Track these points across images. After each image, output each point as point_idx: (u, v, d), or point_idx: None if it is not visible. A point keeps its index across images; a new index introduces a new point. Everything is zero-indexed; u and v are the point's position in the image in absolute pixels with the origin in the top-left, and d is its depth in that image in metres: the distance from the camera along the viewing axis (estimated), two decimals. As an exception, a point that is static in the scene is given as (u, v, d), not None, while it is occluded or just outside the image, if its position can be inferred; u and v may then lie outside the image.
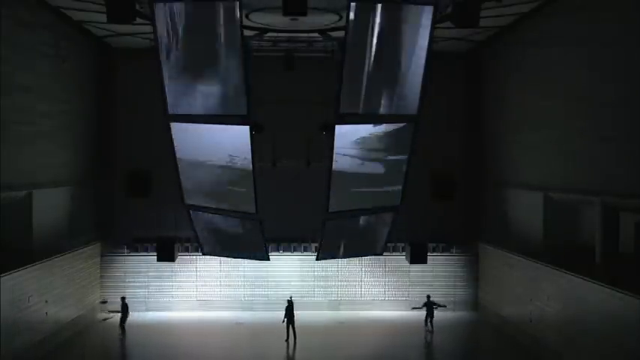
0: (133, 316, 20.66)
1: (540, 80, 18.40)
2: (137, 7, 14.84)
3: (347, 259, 22.93)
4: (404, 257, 21.49)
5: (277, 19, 17.54)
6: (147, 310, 22.62)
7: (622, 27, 14.40)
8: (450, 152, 23.56)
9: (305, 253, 23.35)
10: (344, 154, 16.76)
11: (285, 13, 13.85)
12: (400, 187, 17.87)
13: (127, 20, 14.77)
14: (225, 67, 15.14)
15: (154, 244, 21.06)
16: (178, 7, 14.43)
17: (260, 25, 18.79)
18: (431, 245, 22.68)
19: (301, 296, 22.36)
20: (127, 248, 23.22)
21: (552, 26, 17.53)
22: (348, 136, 16.55)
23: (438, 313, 21.16)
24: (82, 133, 21.40)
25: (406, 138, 16.85)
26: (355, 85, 15.39)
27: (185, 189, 17.97)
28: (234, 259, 22.46)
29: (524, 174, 19.67)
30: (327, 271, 23.36)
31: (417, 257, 19.79)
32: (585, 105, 15.91)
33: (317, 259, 20.52)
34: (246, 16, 17.46)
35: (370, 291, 23.57)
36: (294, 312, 19.78)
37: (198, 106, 16.04)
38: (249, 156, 16.45)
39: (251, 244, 19.40)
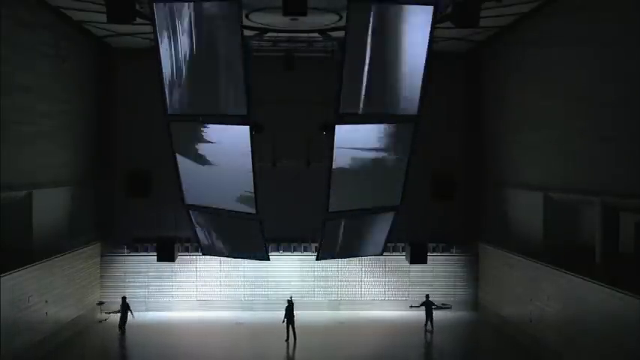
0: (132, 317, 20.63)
1: (540, 80, 18.39)
2: (137, 7, 14.85)
3: (347, 259, 22.93)
4: (404, 257, 21.50)
5: (277, 19, 17.54)
6: (147, 310, 22.60)
7: (622, 27, 14.40)
8: (450, 152, 23.56)
9: (305, 253, 23.35)
10: (344, 154, 16.76)
11: (285, 13, 13.85)
12: (400, 187, 17.86)
13: (127, 20, 14.77)
14: (225, 67, 15.14)
15: (154, 244, 21.08)
16: (178, 7, 14.44)
17: (260, 25, 18.79)
18: (431, 245, 22.69)
19: (301, 296, 22.37)
20: (127, 248, 23.22)
21: (552, 26, 17.53)
22: (348, 136, 16.55)
23: (438, 313, 21.16)
24: (82, 133, 21.40)
25: (406, 138, 16.85)
26: (355, 85, 15.39)
27: (185, 189, 17.98)
28: (234, 259, 22.45)
29: (524, 174, 19.67)
30: (327, 271, 23.36)
31: (417, 257, 19.81)
32: (585, 105, 15.91)
33: (317, 259, 20.51)
34: (246, 16, 17.46)
35: (370, 291, 23.57)
36: (294, 312, 19.78)
37: (198, 106, 16.06)
38: (249, 156, 16.46)
39: (251, 244, 19.40)
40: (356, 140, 16.74)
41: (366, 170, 17.33)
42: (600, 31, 15.19)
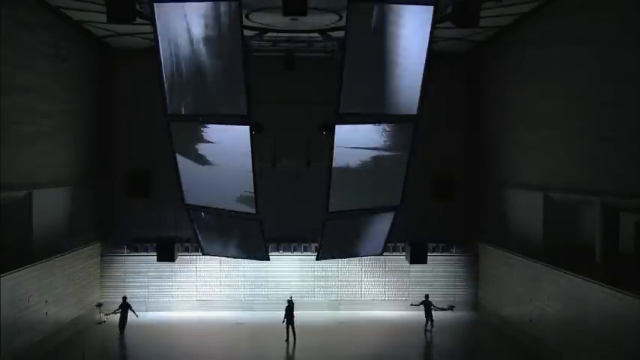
0: (132, 316, 20.58)
1: (540, 80, 18.39)
2: (137, 7, 14.85)
3: (347, 259, 22.93)
4: (404, 257, 21.49)
5: (277, 19, 17.54)
6: (147, 310, 22.58)
7: (622, 27, 14.41)
8: (450, 152, 23.56)
9: (305, 253, 23.34)
10: (344, 154, 16.77)
11: (285, 13, 13.85)
12: (400, 187, 17.87)
13: (127, 20, 14.78)
14: (225, 67, 15.14)
15: (154, 244, 21.07)
16: (178, 7, 14.45)
17: (260, 25, 18.79)
18: (431, 245, 22.69)
19: (301, 296, 22.36)
20: (127, 248, 23.22)
21: (552, 26, 17.53)
22: (348, 136, 16.56)
23: (438, 313, 21.14)
24: (82, 133, 21.40)
25: (406, 138, 16.86)
26: (355, 85, 15.40)
27: (185, 189, 17.99)
28: (234, 259, 22.44)
29: (524, 174, 19.67)
30: (327, 271, 23.36)
31: (417, 257, 19.80)
32: (585, 105, 15.91)
33: (317, 259, 20.51)
34: (246, 16, 17.46)
35: (370, 291, 23.56)
36: (294, 312, 19.77)
37: (198, 106, 16.06)
38: (249, 156, 16.46)
39: (251, 244, 19.40)
40: (356, 140, 16.75)
41: (366, 170, 17.34)
42: (600, 31, 15.20)
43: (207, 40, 14.86)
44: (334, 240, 19.29)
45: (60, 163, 19.49)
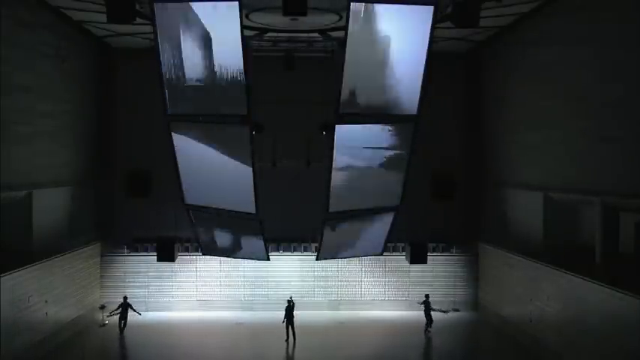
0: (134, 316, 20.58)
1: (540, 80, 18.39)
2: (137, 7, 14.85)
3: (347, 259, 22.93)
4: (404, 257, 21.49)
5: (277, 19, 17.54)
6: (147, 310, 22.56)
7: (622, 27, 14.41)
8: (450, 152, 23.56)
9: (305, 253, 23.34)
10: (344, 154, 16.76)
11: (285, 13, 13.86)
12: (400, 187, 17.88)
13: (127, 20, 14.78)
14: (225, 67, 15.14)
15: (154, 244, 21.04)
16: (178, 7, 14.45)
17: (260, 25, 18.79)
18: (431, 245, 22.69)
19: (301, 296, 22.36)
20: (127, 248, 23.22)
21: (552, 26, 17.53)
22: (348, 136, 16.56)
23: (438, 314, 21.13)
24: (82, 133, 21.40)
25: (406, 138, 16.86)
26: (355, 85, 15.40)
27: (185, 189, 17.99)
28: (234, 259, 22.44)
29: (524, 174, 19.67)
30: (327, 271, 23.35)
31: (417, 257, 19.79)
32: (585, 105, 15.91)
33: (317, 259, 20.52)
34: (246, 16, 17.46)
35: (370, 291, 23.56)
36: (294, 312, 19.77)
37: (198, 106, 16.06)
38: (249, 156, 16.47)
39: (251, 244, 19.41)
40: (356, 140, 16.75)
41: (366, 170, 17.34)
42: (600, 31, 15.20)
43: (207, 40, 14.87)
44: (334, 240, 19.29)
45: (60, 163, 19.49)
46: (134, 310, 20.49)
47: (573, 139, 16.58)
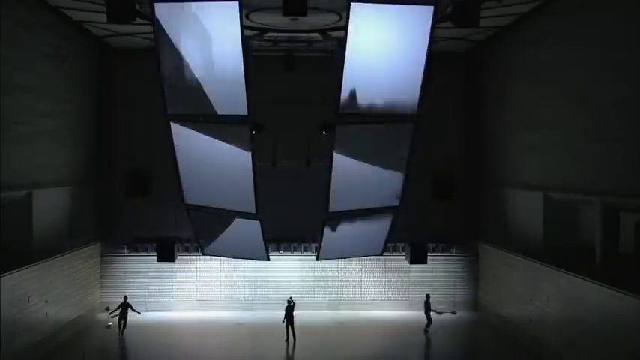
0: (133, 316, 20.57)
1: (540, 80, 18.39)
2: (137, 7, 14.86)
3: (347, 259, 22.93)
4: (404, 257, 21.50)
5: (277, 19, 17.55)
6: (147, 310, 22.57)
7: (622, 27, 14.41)
8: (450, 152, 23.56)
9: (305, 253, 23.34)
10: (344, 154, 16.77)
11: (285, 13, 13.88)
12: (400, 187, 17.88)
13: (127, 20, 14.79)
14: (225, 67, 15.14)
15: (154, 244, 21.07)
16: (178, 7, 14.45)
17: (260, 25, 18.79)
18: (431, 245, 22.69)
19: (301, 296, 22.35)
20: (127, 248, 23.21)
21: (552, 26, 17.53)
22: (349, 136, 16.56)
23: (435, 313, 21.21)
24: (82, 133, 21.40)
25: (406, 138, 16.86)
26: (355, 85, 15.40)
27: (185, 189, 18.00)
28: (234, 259, 22.45)
29: (524, 174, 19.68)
30: (327, 271, 23.35)
31: (417, 257, 19.81)
32: (585, 105, 15.91)
33: (317, 259, 20.52)
34: (246, 16, 17.46)
35: (370, 291, 23.56)
36: (294, 312, 19.76)
37: (198, 106, 16.06)
38: (249, 156, 16.47)
39: (251, 244, 19.41)
40: (356, 140, 16.76)
41: (366, 170, 17.34)
42: (600, 31, 15.20)
43: (207, 40, 14.88)
44: (334, 240, 19.30)
45: (60, 163, 19.49)
46: (133, 310, 20.47)
47: (573, 139, 16.58)
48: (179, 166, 17.41)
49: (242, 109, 15.59)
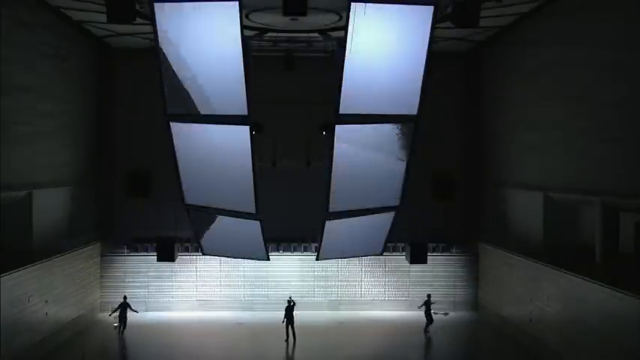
0: (133, 315, 20.56)
1: (540, 80, 18.39)
2: (137, 7, 14.85)
3: (347, 259, 22.93)
4: (404, 257, 21.49)
5: (277, 19, 17.55)
6: (147, 310, 22.59)
7: (622, 27, 14.40)
8: (450, 152, 23.56)
9: (305, 253, 23.33)
10: (344, 154, 16.76)
11: (285, 13, 13.87)
12: (400, 187, 17.88)
13: (127, 20, 14.79)
14: (225, 67, 15.14)
15: (154, 244, 21.06)
16: (178, 7, 14.44)
17: (260, 25, 18.79)
18: (431, 245, 22.68)
19: (301, 296, 22.33)
20: (127, 248, 23.21)
21: (552, 26, 17.53)
22: (348, 136, 16.56)
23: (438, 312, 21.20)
24: (82, 133, 21.41)
25: (406, 138, 16.86)
26: (355, 84, 15.39)
27: (185, 189, 17.99)
28: (234, 259, 22.45)
29: (524, 174, 19.67)
30: (327, 271, 23.35)
31: (417, 257, 19.80)
32: (585, 105, 15.91)
33: (317, 259, 20.53)
34: (246, 16, 17.47)
35: (370, 291, 23.56)
36: (294, 312, 19.76)
37: (198, 106, 16.06)
38: (249, 156, 16.47)
39: (251, 244, 19.41)
40: (356, 140, 16.75)
41: (366, 170, 17.34)
42: (600, 31, 15.19)
43: (207, 39, 14.87)
44: (334, 240, 19.29)
45: (60, 163, 19.49)
46: (131, 309, 20.44)
47: (573, 139, 16.58)
48: (179, 166, 17.40)
49: (242, 109, 15.59)
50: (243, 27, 14.56)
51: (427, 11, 14.49)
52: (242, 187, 17.08)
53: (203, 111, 16.09)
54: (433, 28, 14.76)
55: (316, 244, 20.35)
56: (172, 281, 23.17)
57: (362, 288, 23.55)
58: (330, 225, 18.57)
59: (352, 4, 14.03)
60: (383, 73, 15.45)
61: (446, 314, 21.51)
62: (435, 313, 20.87)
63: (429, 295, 21.21)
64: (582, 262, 16.07)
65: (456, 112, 23.88)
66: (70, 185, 20.22)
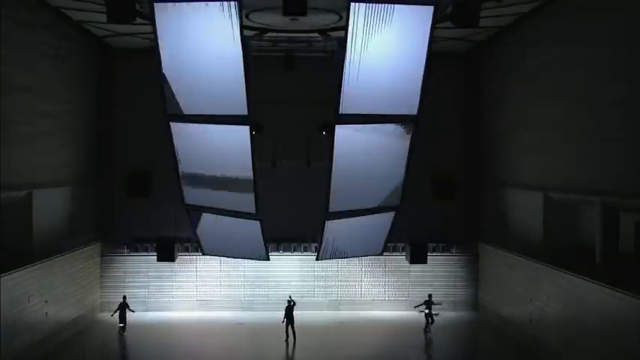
0: (133, 316, 20.58)
1: (540, 80, 18.39)
2: (137, 7, 14.86)
3: (347, 259, 22.92)
4: (404, 257, 21.50)
5: (277, 19, 17.55)
6: (147, 310, 22.59)
7: (622, 27, 14.40)
8: (450, 152, 23.56)
9: (305, 253, 23.33)
10: (344, 154, 16.77)
11: (285, 13, 13.88)
12: (400, 187, 17.89)
13: (127, 20, 14.79)
14: (225, 67, 15.15)
15: (154, 244, 21.07)
16: (178, 7, 14.45)
17: (260, 25, 18.79)
18: (431, 245, 22.68)
19: (301, 296, 22.33)
20: (127, 248, 23.21)
21: (552, 26, 17.53)
22: (349, 136, 16.57)
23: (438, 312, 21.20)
24: (82, 133, 21.40)
25: (406, 138, 16.86)
26: (355, 84, 15.40)
27: (185, 189, 18.00)
28: (234, 259, 22.45)
29: (524, 174, 19.67)
30: (327, 271, 23.35)
31: (417, 257, 19.81)
32: (585, 105, 15.91)
33: (317, 259, 20.53)
34: (246, 16, 17.47)
35: (370, 291, 23.56)
36: (294, 312, 19.76)
37: (198, 106, 16.07)
38: (249, 156, 16.47)
39: (251, 244, 19.41)
40: (356, 140, 16.76)
41: (366, 170, 17.35)
42: (600, 31, 15.19)
43: (207, 39, 14.88)
44: (334, 240, 19.30)
45: (60, 163, 19.49)
46: (129, 309, 20.44)
47: (573, 139, 16.58)
48: (179, 166, 17.41)
49: (242, 109, 15.60)
50: (243, 27, 14.58)
51: (427, 11, 14.51)
52: (242, 187, 17.08)
53: (203, 111, 16.10)
54: (433, 28, 14.78)
55: (316, 244, 20.35)
56: (172, 281, 23.17)
57: (362, 288, 23.55)
58: (330, 225, 18.56)
59: (352, 4, 14.04)
60: (383, 73, 15.46)
61: (436, 314, 21.40)
62: (436, 314, 20.87)
63: (430, 295, 21.21)
64: (582, 262, 16.07)
65: (456, 113, 23.87)
66: (70, 185, 20.22)
